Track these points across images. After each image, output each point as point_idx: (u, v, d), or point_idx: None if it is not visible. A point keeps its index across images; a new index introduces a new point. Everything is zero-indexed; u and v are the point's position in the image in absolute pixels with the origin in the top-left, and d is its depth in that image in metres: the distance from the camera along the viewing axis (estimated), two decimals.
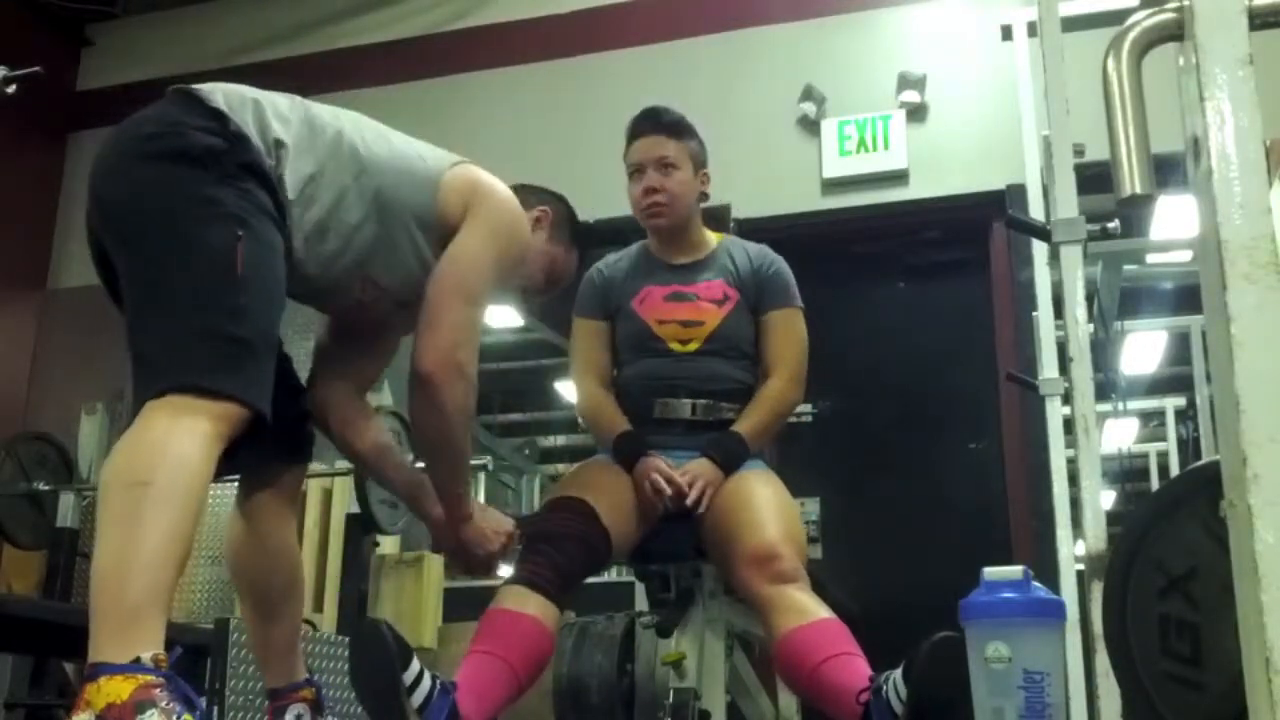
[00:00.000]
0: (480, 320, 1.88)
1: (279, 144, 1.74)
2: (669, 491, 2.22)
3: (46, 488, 4.39)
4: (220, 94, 1.74)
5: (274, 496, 1.93)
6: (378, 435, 2.06)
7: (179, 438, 1.51)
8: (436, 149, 1.96)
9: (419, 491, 2.03)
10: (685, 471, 2.25)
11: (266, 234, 1.67)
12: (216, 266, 1.60)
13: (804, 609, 2.01)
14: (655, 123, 2.44)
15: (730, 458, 2.28)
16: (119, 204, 1.70)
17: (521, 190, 2.09)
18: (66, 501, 4.33)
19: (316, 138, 1.79)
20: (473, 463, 4.59)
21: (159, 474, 1.48)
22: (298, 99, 1.86)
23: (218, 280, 1.60)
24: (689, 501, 2.21)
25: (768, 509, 2.16)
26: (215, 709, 2.66)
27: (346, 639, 3.04)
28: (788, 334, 2.42)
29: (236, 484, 1.95)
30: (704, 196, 2.50)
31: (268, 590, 1.93)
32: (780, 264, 2.47)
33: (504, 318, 5.13)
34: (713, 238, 2.51)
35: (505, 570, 2.16)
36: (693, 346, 2.37)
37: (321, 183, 1.77)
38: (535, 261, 2.13)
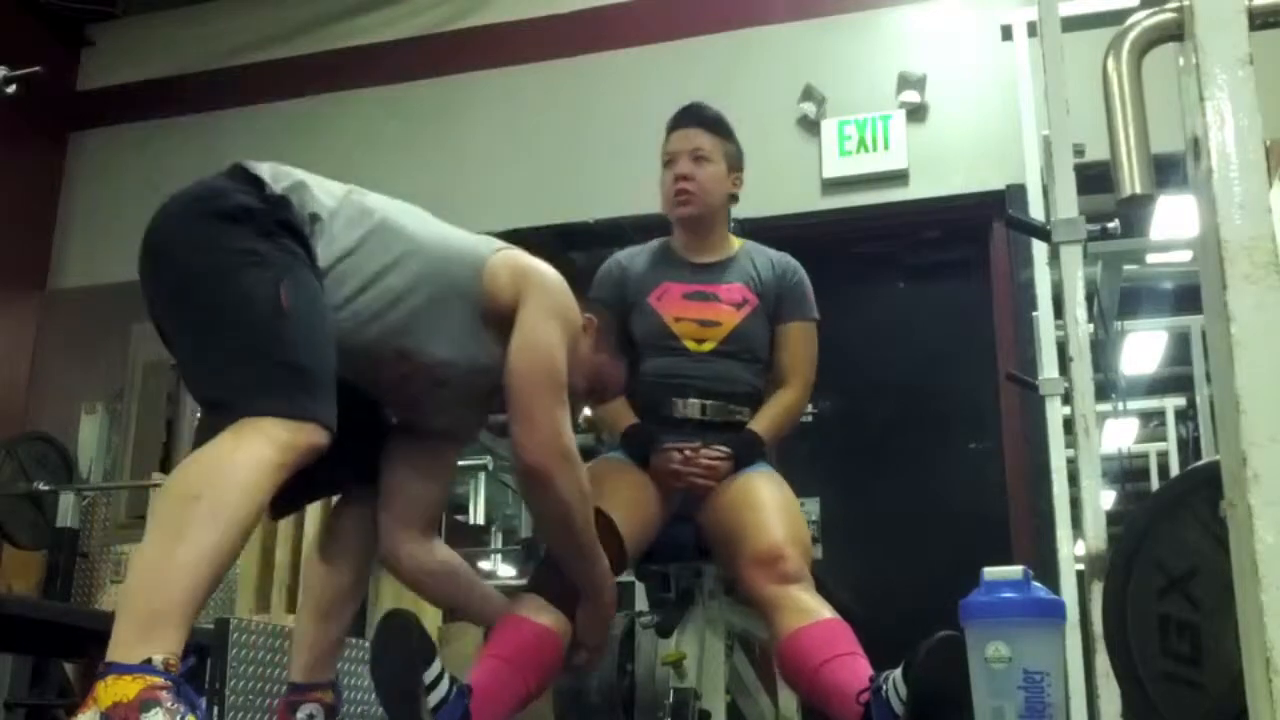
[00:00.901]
0: (567, 400, 1.88)
1: (315, 217, 1.78)
2: (686, 467, 2.25)
3: (46, 488, 4.39)
4: (268, 168, 1.79)
5: (357, 511, 2.01)
6: (452, 575, 2.07)
7: (240, 460, 1.53)
8: (479, 236, 1.98)
9: (488, 608, 2.07)
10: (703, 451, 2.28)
11: (307, 279, 1.71)
12: (264, 305, 1.63)
13: (808, 609, 2.01)
14: (695, 116, 2.47)
15: (746, 452, 2.30)
16: (166, 261, 1.74)
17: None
18: (66, 501, 4.33)
19: (361, 218, 1.83)
20: (473, 463, 4.61)
21: (211, 490, 1.50)
22: (355, 188, 1.89)
23: (267, 317, 1.63)
24: (694, 471, 2.25)
25: (773, 510, 2.17)
26: (215, 709, 2.66)
27: (347, 639, 3.04)
28: (805, 347, 2.45)
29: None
30: (734, 199, 2.52)
31: (331, 593, 1.99)
32: (802, 275, 2.48)
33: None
34: (735, 242, 2.52)
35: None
36: (708, 347, 2.38)
37: (359, 259, 1.80)
38: (579, 367, 2.04)
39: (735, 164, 2.49)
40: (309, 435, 1.59)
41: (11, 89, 3.23)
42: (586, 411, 2.52)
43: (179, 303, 1.72)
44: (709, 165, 2.43)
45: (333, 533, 2.03)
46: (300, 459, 1.58)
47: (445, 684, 1.76)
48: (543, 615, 1.98)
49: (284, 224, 1.73)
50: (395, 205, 1.91)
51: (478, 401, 1.98)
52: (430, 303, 1.84)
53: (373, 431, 1.99)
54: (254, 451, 1.54)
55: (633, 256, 2.52)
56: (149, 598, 1.45)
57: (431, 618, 3.96)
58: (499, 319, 1.87)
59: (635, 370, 2.23)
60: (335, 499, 2.08)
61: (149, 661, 1.40)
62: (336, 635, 2.01)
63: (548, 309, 1.87)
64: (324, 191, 1.83)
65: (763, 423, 2.35)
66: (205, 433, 1.61)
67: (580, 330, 1.98)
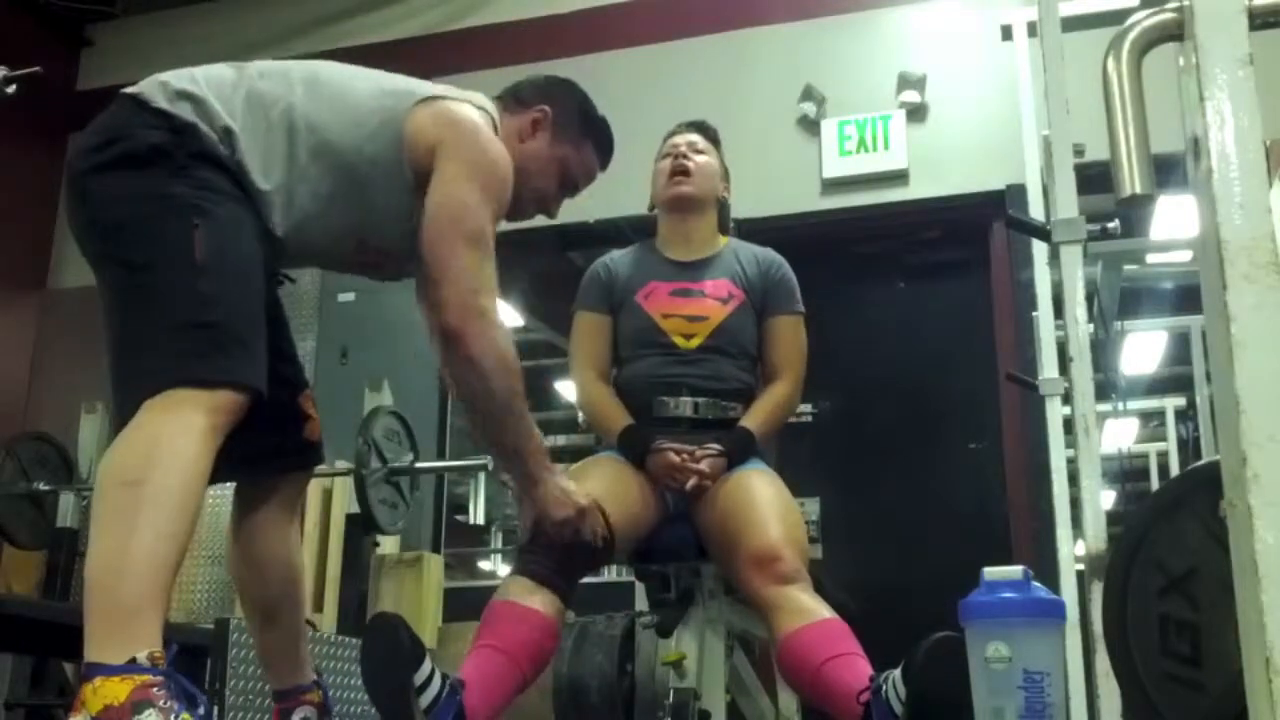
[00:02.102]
0: (491, 260, 1.76)
1: (228, 131, 1.70)
2: (683, 466, 2.25)
3: (46, 488, 4.39)
4: (160, 90, 1.70)
5: (269, 506, 1.88)
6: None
7: (172, 434, 1.49)
8: (403, 84, 1.85)
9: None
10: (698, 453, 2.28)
11: (228, 215, 1.64)
12: (176, 260, 1.59)
13: (806, 610, 2.01)
14: (693, 125, 2.58)
15: (739, 449, 2.30)
16: (81, 218, 1.70)
17: (513, 94, 2.02)
18: (66, 501, 4.33)
19: (267, 115, 1.73)
20: (472, 463, 4.61)
21: (152, 472, 1.46)
22: (245, 70, 1.78)
23: (179, 273, 1.59)
24: (698, 469, 2.24)
25: (770, 510, 2.17)
26: (215, 709, 2.66)
27: (347, 639, 3.04)
28: (794, 340, 2.46)
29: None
30: (722, 205, 2.56)
31: (263, 598, 1.90)
32: (787, 269, 2.50)
33: (503, 318, 5.12)
34: (721, 239, 2.54)
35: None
36: (696, 342, 2.38)
37: (278, 162, 1.72)
38: (543, 170, 1.97)
39: (725, 173, 2.58)
40: (232, 396, 1.55)
41: (11, 89, 3.23)
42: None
43: (97, 261, 1.68)
44: (706, 157, 2.51)
45: (242, 537, 1.89)
46: (230, 420, 1.54)
47: (437, 683, 1.76)
48: (532, 599, 1.98)
49: (198, 155, 1.65)
50: (299, 79, 1.78)
51: None
52: (360, 193, 1.77)
53: (284, 418, 1.86)
54: (184, 423, 1.50)
55: (617, 259, 2.54)
56: (116, 594, 1.42)
57: (432, 618, 3.96)
58: (430, 173, 1.77)
59: (607, 143, 2.12)
60: (235, 499, 1.91)
61: (134, 660, 1.38)
62: (292, 634, 1.92)
63: (463, 159, 1.75)
64: (219, 95, 1.72)
65: (755, 419, 2.35)
66: (121, 409, 1.56)
67: (506, 157, 1.83)
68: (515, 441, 1.85)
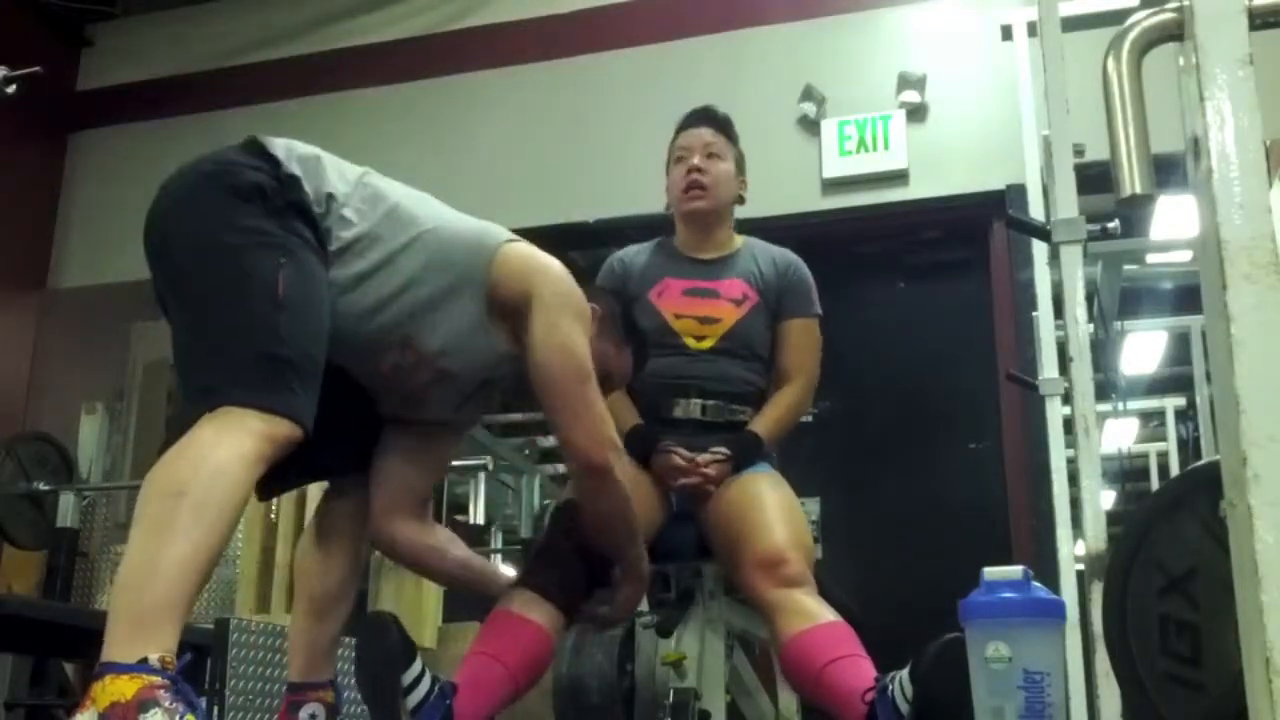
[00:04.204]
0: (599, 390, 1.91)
1: (330, 197, 1.78)
2: (688, 470, 2.25)
3: (46, 488, 4.39)
4: (283, 145, 1.79)
5: (349, 503, 1.98)
6: (448, 550, 2.08)
7: (221, 452, 1.53)
8: (487, 224, 1.96)
9: (488, 578, 2.11)
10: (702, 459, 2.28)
11: (310, 264, 1.71)
12: (260, 291, 1.64)
13: (810, 612, 2.01)
14: (707, 116, 2.50)
15: (745, 453, 2.30)
16: (172, 233, 1.74)
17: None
18: (66, 501, 4.33)
19: (376, 202, 1.83)
20: (473, 463, 4.61)
21: (196, 485, 1.50)
22: (369, 171, 1.89)
23: (262, 304, 1.63)
24: (703, 472, 2.25)
25: (776, 512, 2.17)
26: (215, 709, 2.66)
27: (347, 639, 3.04)
28: (808, 344, 2.44)
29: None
30: (740, 200, 2.54)
31: (320, 591, 1.97)
32: (804, 270, 2.48)
33: None
34: (737, 239, 2.52)
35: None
36: (707, 344, 2.37)
37: (371, 241, 1.80)
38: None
39: (741, 167, 2.53)
40: (286, 430, 1.59)
41: (11, 89, 3.23)
42: None
43: (181, 277, 1.72)
44: (721, 163, 2.46)
45: (322, 528, 2.00)
46: (277, 452, 1.59)
47: (426, 683, 1.76)
48: (533, 611, 1.98)
49: (294, 205, 1.73)
50: (409, 191, 1.91)
51: (477, 396, 1.97)
52: (438, 290, 1.82)
53: (366, 421, 1.98)
54: (234, 445, 1.54)
55: (633, 254, 2.52)
56: (140, 596, 1.45)
57: (432, 618, 3.96)
58: (506, 311, 1.86)
59: (643, 355, 2.21)
60: (323, 495, 2.05)
61: (145, 660, 1.40)
62: (333, 633, 1.99)
63: (564, 305, 1.86)
64: (338, 172, 1.82)
65: (763, 423, 2.35)
66: (181, 420, 1.60)
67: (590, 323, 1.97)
68: (636, 548, 2.03)
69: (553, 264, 1.91)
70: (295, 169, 1.76)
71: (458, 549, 2.09)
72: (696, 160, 2.44)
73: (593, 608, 2.07)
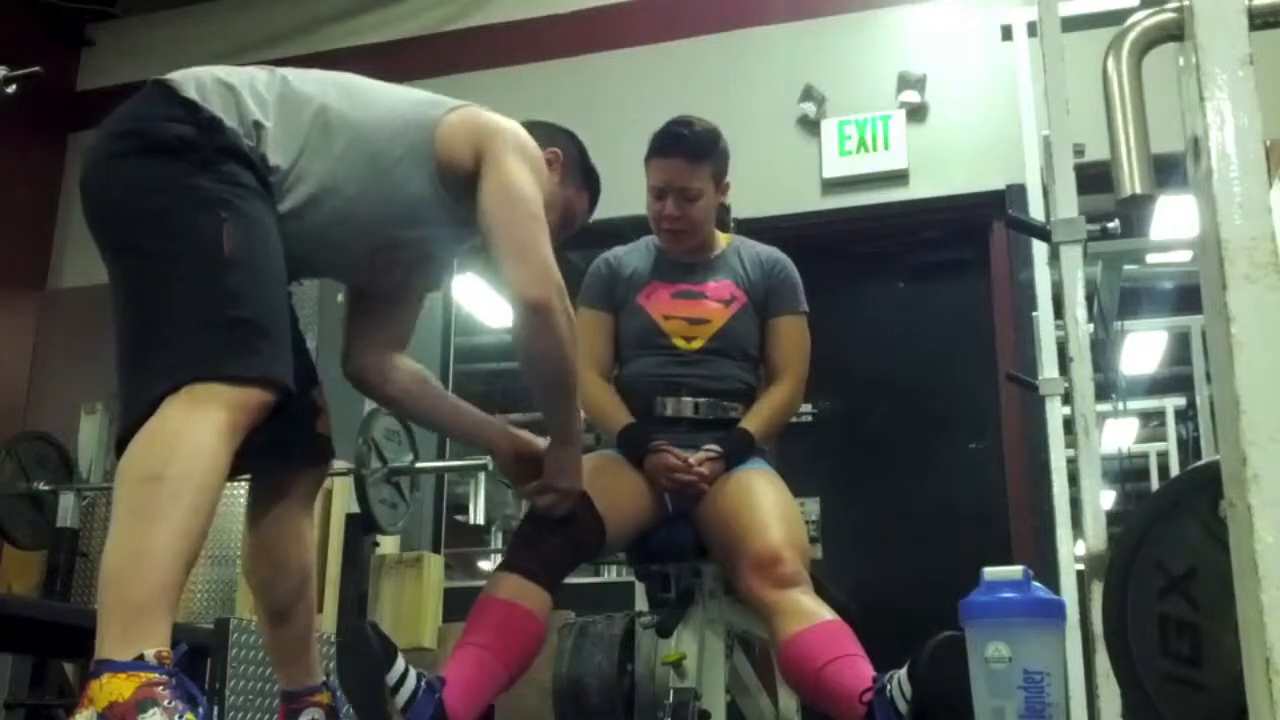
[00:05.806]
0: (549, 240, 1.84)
1: (258, 125, 1.71)
2: (681, 469, 2.25)
3: (46, 488, 4.38)
4: (193, 82, 1.70)
5: (284, 503, 1.89)
6: (420, 379, 2.05)
7: (194, 430, 1.48)
8: (434, 96, 1.91)
9: (478, 425, 2.07)
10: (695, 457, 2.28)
11: (254, 212, 1.64)
12: (204, 253, 1.57)
13: (807, 612, 2.01)
14: (679, 146, 2.36)
15: (737, 450, 2.30)
16: (101, 205, 1.68)
17: (531, 127, 2.04)
18: (66, 501, 4.33)
19: (299, 113, 1.76)
20: (472, 463, 4.62)
21: (172, 468, 1.46)
22: (277, 72, 1.81)
23: (208, 266, 1.57)
24: (697, 471, 2.24)
25: (771, 512, 2.17)
26: (215, 709, 2.66)
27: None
28: (796, 340, 2.44)
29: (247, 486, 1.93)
30: (724, 207, 2.51)
31: (275, 595, 1.90)
32: (790, 268, 2.47)
33: (502, 317, 5.12)
34: (723, 238, 2.52)
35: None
36: (697, 344, 2.38)
37: (310, 159, 1.74)
38: (552, 205, 1.98)
39: (721, 176, 2.43)
40: (259, 395, 1.54)
41: (11, 89, 3.23)
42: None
43: (118, 252, 1.65)
44: (698, 202, 2.37)
45: (262, 539, 1.89)
46: (254, 419, 1.54)
47: (412, 681, 1.76)
48: (521, 596, 1.98)
49: (225, 149, 1.65)
50: (322, 82, 1.83)
51: (450, 256, 2.00)
52: (390, 191, 1.79)
53: (301, 412, 1.85)
54: (206, 420, 1.49)
55: (620, 256, 2.52)
56: (129, 589, 1.42)
57: (432, 618, 3.96)
58: (461, 178, 1.82)
59: (597, 192, 2.20)
60: (248, 505, 1.91)
61: (141, 658, 1.38)
62: (303, 633, 1.92)
63: (514, 152, 1.82)
64: (254, 94, 1.74)
65: (755, 420, 2.35)
66: (135, 404, 1.53)
67: (545, 171, 1.93)
68: (569, 406, 1.96)
69: (500, 119, 1.87)
70: (215, 109, 1.67)
71: (433, 387, 2.08)
72: (670, 208, 2.37)
73: (532, 494, 2.04)
